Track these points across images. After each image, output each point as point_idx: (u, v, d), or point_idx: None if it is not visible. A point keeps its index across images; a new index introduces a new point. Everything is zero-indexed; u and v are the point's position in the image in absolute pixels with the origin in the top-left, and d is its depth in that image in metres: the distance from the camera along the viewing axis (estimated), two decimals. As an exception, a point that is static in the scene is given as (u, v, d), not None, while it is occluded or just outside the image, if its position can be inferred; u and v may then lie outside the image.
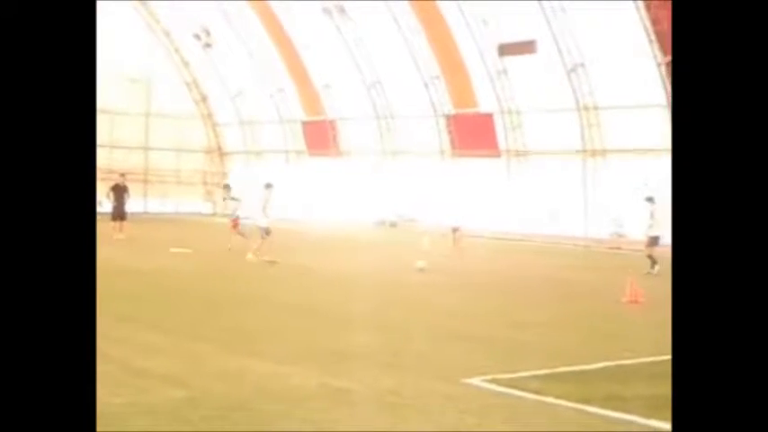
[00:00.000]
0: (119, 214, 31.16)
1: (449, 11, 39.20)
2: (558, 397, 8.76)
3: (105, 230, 29.16)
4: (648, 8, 32.37)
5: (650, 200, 24.27)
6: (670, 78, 31.73)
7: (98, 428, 5.06)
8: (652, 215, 23.82)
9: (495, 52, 38.69)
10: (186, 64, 52.04)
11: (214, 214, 52.30)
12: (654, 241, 23.69)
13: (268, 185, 24.62)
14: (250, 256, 23.21)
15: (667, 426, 7.57)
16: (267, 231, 23.64)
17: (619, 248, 32.90)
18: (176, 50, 51.60)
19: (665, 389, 8.73)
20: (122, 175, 33.89)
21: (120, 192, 31.83)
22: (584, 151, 37.45)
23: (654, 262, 23.17)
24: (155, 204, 49.79)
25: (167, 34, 51.10)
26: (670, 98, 31.88)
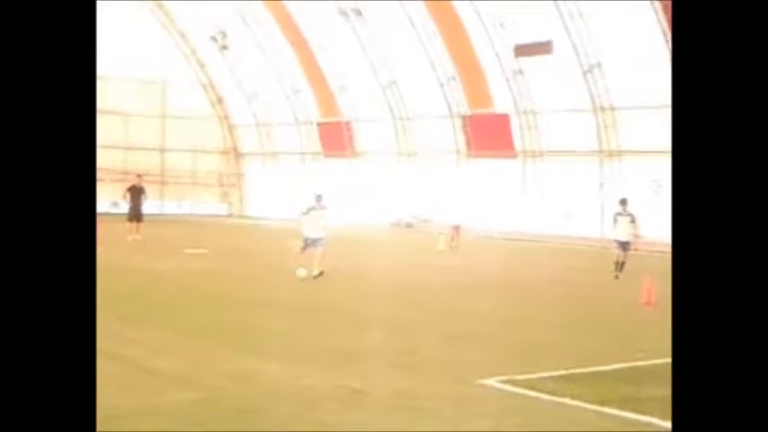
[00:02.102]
0: (135, 215, 31.22)
1: (465, 12, 39.14)
2: (574, 398, 8.70)
3: (121, 231, 29.29)
4: (665, 9, 32.22)
5: (624, 202, 22.55)
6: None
7: (108, 429, 5.04)
8: (633, 218, 22.17)
9: (511, 53, 38.63)
10: (202, 66, 52.21)
11: (230, 215, 52.47)
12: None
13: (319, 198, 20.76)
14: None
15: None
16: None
17: (635, 249, 32.70)
18: (193, 52, 51.77)
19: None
20: (139, 176, 33.95)
21: (136, 193, 31.88)
22: (600, 152, 37.33)
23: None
24: (171, 205, 49.91)
25: (184, 36, 51.27)
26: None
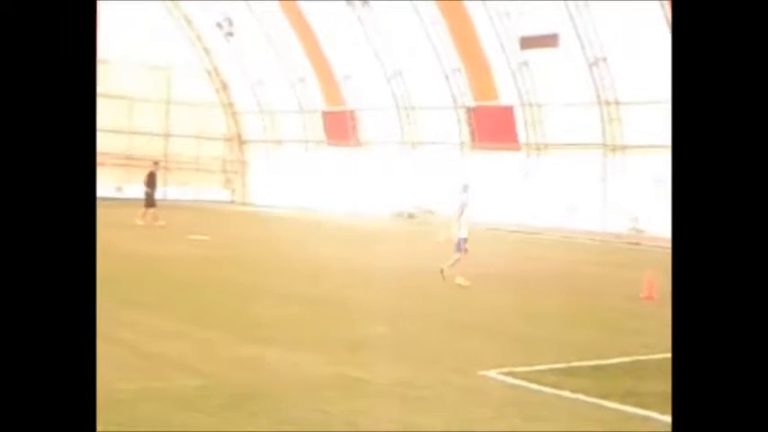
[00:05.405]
0: (152, 201, 31.32)
1: (471, 3, 39.06)
2: (574, 391, 8.72)
3: (129, 217, 29.33)
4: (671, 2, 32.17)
5: None
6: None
7: (109, 413, 5.02)
8: None
9: (516, 45, 38.55)
10: (208, 52, 52.13)
11: (233, 202, 52.49)
12: None
13: (466, 188, 19.08)
14: (445, 269, 18.06)
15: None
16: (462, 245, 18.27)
17: (638, 244, 32.76)
18: (198, 39, 51.69)
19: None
20: (156, 162, 33.96)
21: (153, 179, 31.97)
22: (604, 146, 37.29)
23: None
24: (174, 191, 49.91)
25: (189, 22, 51.19)
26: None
